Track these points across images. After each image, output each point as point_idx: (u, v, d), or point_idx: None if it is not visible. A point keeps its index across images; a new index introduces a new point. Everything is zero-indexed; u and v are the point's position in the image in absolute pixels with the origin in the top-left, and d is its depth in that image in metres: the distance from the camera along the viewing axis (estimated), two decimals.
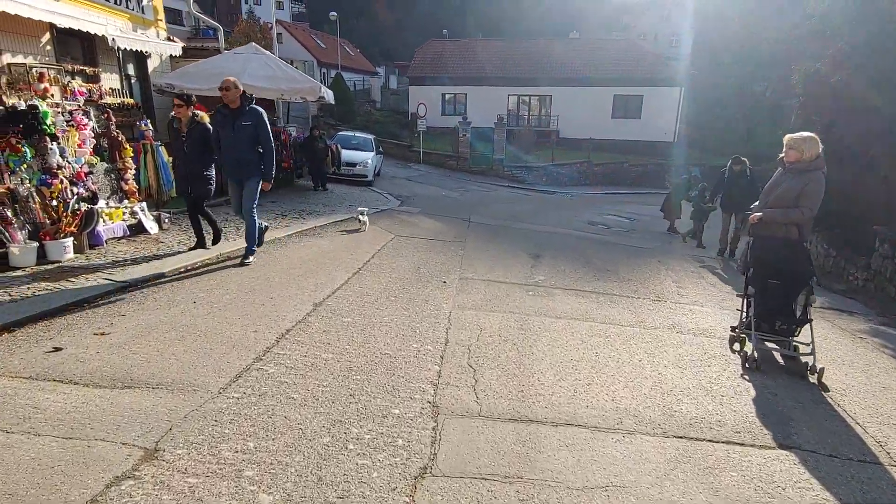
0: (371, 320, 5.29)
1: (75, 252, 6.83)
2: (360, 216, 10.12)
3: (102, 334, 4.42)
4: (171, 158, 8.92)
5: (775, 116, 40.55)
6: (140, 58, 13.83)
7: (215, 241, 7.75)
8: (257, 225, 7.12)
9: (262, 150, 6.80)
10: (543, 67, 34.51)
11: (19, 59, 9.78)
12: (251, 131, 6.67)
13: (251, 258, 7.05)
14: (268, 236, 8.58)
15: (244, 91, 6.73)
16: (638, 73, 33.24)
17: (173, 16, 39.98)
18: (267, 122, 6.79)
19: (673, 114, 33.34)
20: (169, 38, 15.43)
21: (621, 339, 5.40)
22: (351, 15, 60.97)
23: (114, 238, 7.69)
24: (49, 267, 6.26)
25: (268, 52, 13.63)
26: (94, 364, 3.88)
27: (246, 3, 51.36)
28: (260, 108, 6.75)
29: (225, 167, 7.04)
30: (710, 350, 5.31)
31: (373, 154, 18.25)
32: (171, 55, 14.49)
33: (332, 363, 4.21)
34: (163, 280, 6.07)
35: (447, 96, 35.62)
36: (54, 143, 7.15)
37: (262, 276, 6.50)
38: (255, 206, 6.93)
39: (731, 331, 5.62)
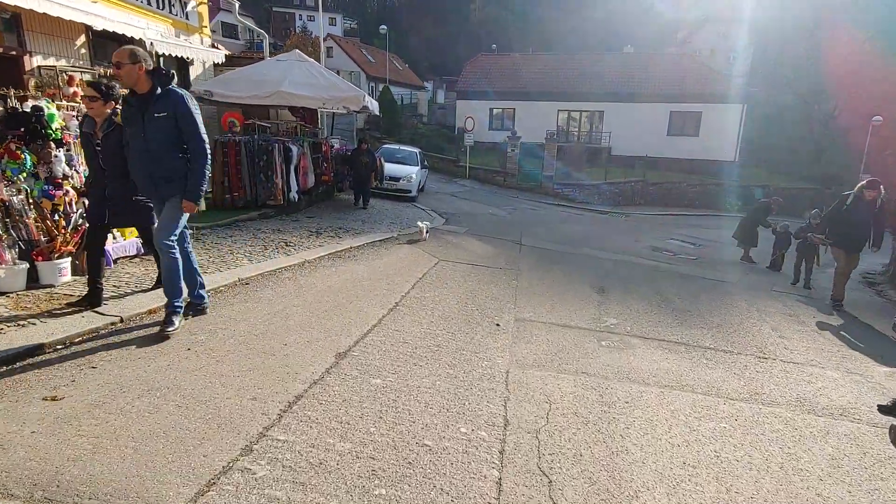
0: (406, 383, 4.04)
1: (73, 274, 5.88)
2: (421, 223, 10.31)
3: (54, 399, 3.33)
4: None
5: (847, 137, 37.74)
6: (182, 65, 13.19)
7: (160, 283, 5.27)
8: (181, 267, 4.64)
9: (187, 155, 4.53)
10: (595, 82, 32.98)
11: (51, 61, 9.12)
12: (167, 126, 4.39)
13: (176, 322, 4.56)
14: (297, 258, 7.51)
15: (158, 67, 4.46)
16: (696, 88, 31.29)
17: (230, 30, 40.52)
18: (194, 110, 4.47)
19: (734, 132, 31.18)
20: (214, 46, 14.84)
21: (740, 424, 3.97)
22: (401, 30, 60.92)
23: (125, 257, 6.74)
24: (39, 292, 5.30)
25: (311, 60, 12.76)
26: (17, 455, 2.76)
27: (300, 19, 51.93)
28: (182, 91, 4.45)
29: (136, 181, 4.69)
30: (868, 446, 3.82)
31: (417, 168, 17.19)
32: (214, 63, 13.87)
33: (349, 461, 2.97)
34: (152, 322, 4.98)
35: (495, 111, 34.48)
36: (61, 149, 6.25)
37: (281, 311, 5.36)
38: (173, 237, 4.53)
39: (881, 411, 4.13)
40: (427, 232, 10.28)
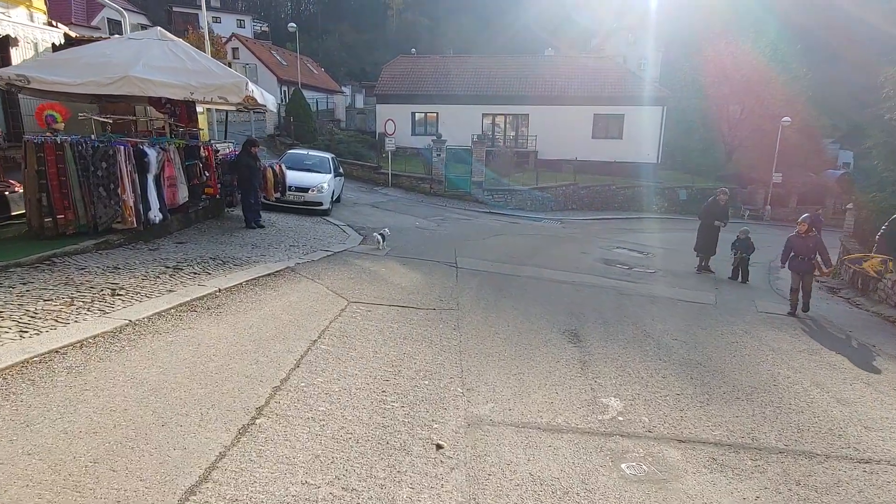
0: None
1: None
2: (376, 234, 9.64)
3: None
4: None
5: (754, 138, 38.38)
6: (3, 45, 9.76)
7: None
8: None
9: None
10: (520, 85, 31.31)
11: None
12: None
13: None
14: (118, 317, 4.63)
15: None
16: (618, 91, 30.30)
17: (116, 28, 35.60)
18: None
19: (655, 134, 30.42)
20: (50, 24, 11.37)
21: None
22: (316, 34, 57.35)
23: None
24: None
25: (178, 39, 9.65)
26: None
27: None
28: None
29: None
30: None
31: (330, 177, 14.34)
32: (53, 44, 10.52)
33: None
34: None
35: (417, 116, 32.01)
36: None
37: (8, 459, 2.53)
38: None
39: None
40: (383, 243, 9.60)
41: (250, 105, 11.27)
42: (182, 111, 11.00)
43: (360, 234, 11.63)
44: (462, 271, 8.63)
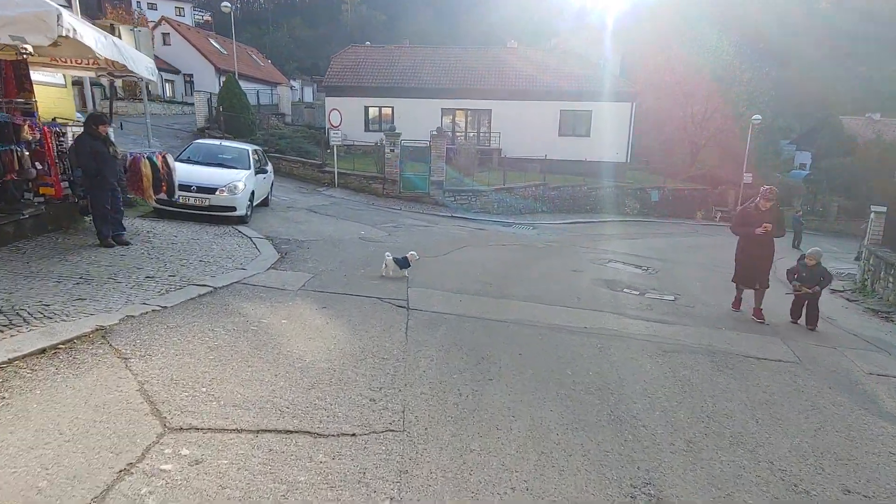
0: None
1: None
2: (388, 256, 7.07)
3: None
4: None
5: (719, 138, 36.63)
6: None
7: None
8: None
9: None
10: (481, 79, 28.27)
11: None
12: None
13: None
14: None
15: None
16: (585, 87, 27.63)
17: None
18: None
19: (624, 132, 27.96)
20: None
21: None
22: (266, 27, 52.89)
23: None
24: None
25: None
26: None
27: (137, 4, 41.94)
28: None
29: None
30: None
31: (248, 174, 10.85)
32: None
33: None
34: None
35: (371, 110, 28.53)
36: None
37: None
38: None
39: None
40: (401, 271, 7.08)
41: (116, 70, 7.80)
42: (7, 75, 7.37)
43: (278, 250, 8.24)
44: (416, 317, 5.39)
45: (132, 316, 4.35)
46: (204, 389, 3.24)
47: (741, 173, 28.82)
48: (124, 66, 6.92)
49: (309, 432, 2.92)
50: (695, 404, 3.90)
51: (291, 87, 37.50)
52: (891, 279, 9.82)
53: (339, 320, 4.96)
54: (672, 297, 8.01)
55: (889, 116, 40.19)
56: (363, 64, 29.30)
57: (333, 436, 2.91)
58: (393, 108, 28.15)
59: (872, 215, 11.84)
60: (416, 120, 25.50)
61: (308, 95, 38.80)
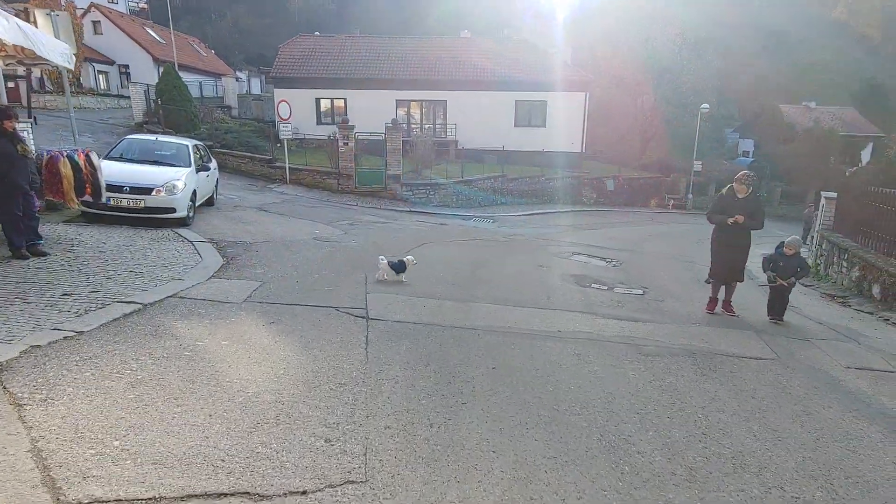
0: None
1: None
2: (383, 260, 6.79)
3: None
4: None
5: (668, 127, 37.34)
6: None
7: None
8: None
9: None
10: (436, 70, 27.63)
11: None
12: None
13: None
14: None
15: None
16: (539, 76, 27.43)
17: None
18: None
19: (579, 122, 27.98)
20: None
21: None
22: (207, 16, 50.43)
23: None
24: None
25: None
26: None
27: None
28: None
29: None
30: None
31: (188, 171, 9.96)
32: None
33: None
34: None
35: (323, 102, 27.48)
36: None
37: None
38: None
39: None
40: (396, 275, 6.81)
41: (27, 57, 6.85)
42: None
43: (223, 255, 7.51)
44: (377, 328, 4.85)
45: (37, 346, 3.64)
46: (117, 443, 2.63)
47: (691, 161, 29.40)
48: (33, 51, 6.05)
49: (248, 493, 2.36)
50: (687, 418, 3.54)
51: (237, 79, 35.78)
52: (844, 264, 9.94)
53: (289, 338, 4.37)
54: (641, 291, 7.75)
55: (823, 104, 41.97)
56: (313, 54, 28.15)
57: (279, 496, 2.37)
58: (346, 99, 27.20)
59: (823, 201, 12.03)
60: (371, 112, 24.66)
61: (256, 87, 37.18)
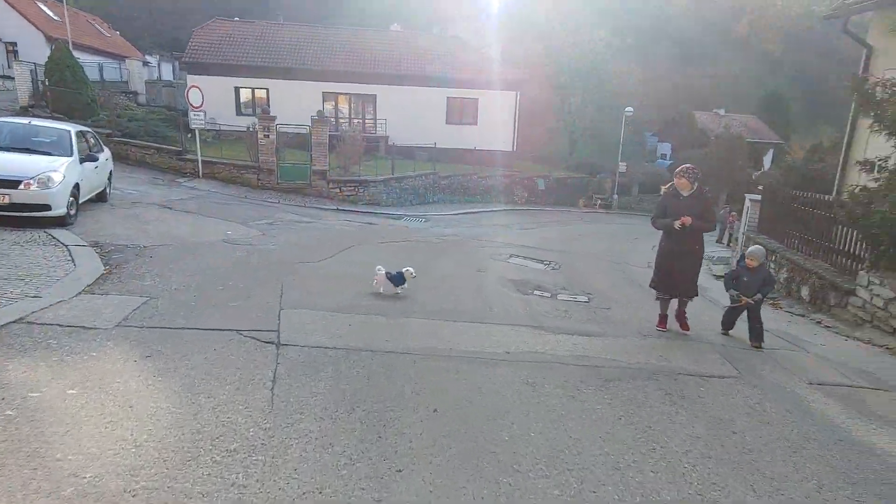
0: None
1: None
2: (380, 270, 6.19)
3: None
4: None
5: (594, 128, 38.17)
6: None
7: None
8: None
9: None
10: (365, 62, 26.40)
11: None
12: None
13: None
14: None
15: None
16: (471, 73, 26.94)
17: None
18: None
19: (510, 120, 27.80)
20: None
21: None
22: None
23: None
24: None
25: None
26: None
27: None
28: None
29: None
30: None
31: (69, 161, 8.36)
32: None
33: None
34: None
35: (242, 91, 25.51)
36: None
37: None
38: None
39: None
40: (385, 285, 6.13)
41: None
42: None
43: (107, 262, 6.19)
44: (290, 358, 3.88)
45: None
46: None
47: (616, 162, 30.06)
48: None
49: None
50: (673, 471, 2.89)
51: (147, 64, 32.64)
52: (772, 265, 9.98)
53: (167, 380, 3.32)
54: (585, 299, 7.22)
55: (731, 112, 44.56)
56: (232, 40, 26.05)
57: None
58: (268, 90, 25.41)
59: (749, 203, 12.24)
60: (296, 104, 23.06)
61: (168, 73, 34.18)
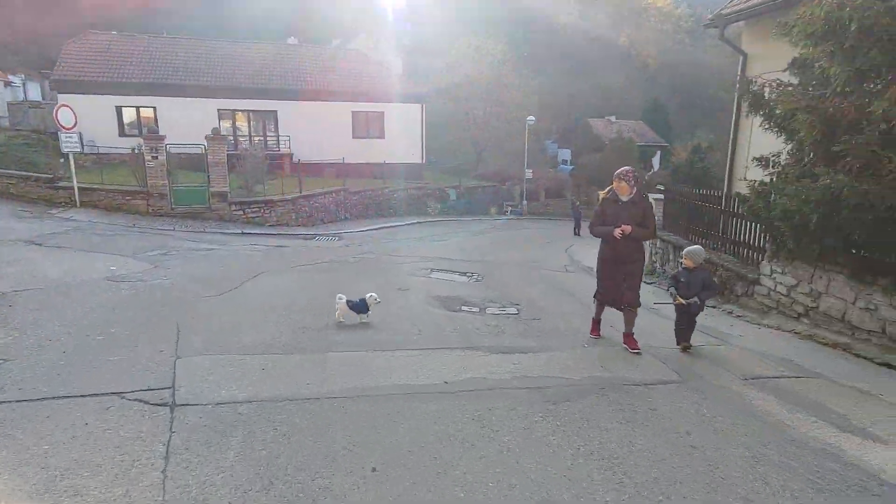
0: None
1: None
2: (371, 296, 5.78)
3: None
4: None
5: (498, 137, 38.99)
6: None
7: None
8: None
9: None
10: (264, 77, 25.05)
11: None
12: None
13: None
14: None
15: None
16: (376, 87, 26.52)
17: None
18: None
19: (417, 133, 27.66)
20: None
21: None
22: None
23: None
24: None
25: None
26: None
27: None
28: None
29: None
30: None
31: None
32: None
33: None
34: None
35: (126, 111, 23.18)
36: None
37: None
38: None
39: None
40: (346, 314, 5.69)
41: None
42: None
43: None
44: (188, 423, 3.15)
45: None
46: None
47: (523, 170, 30.86)
48: None
49: None
50: None
51: (10, 84, 28.91)
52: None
53: (13, 481, 2.51)
54: (515, 311, 6.95)
55: (621, 118, 47.66)
56: (111, 54, 23.70)
57: None
58: (155, 108, 23.34)
59: (652, 201, 12.78)
60: (189, 123, 21.23)
61: (36, 93, 30.52)
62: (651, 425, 3.54)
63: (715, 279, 8.99)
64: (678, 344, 5.37)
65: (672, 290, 5.41)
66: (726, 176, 12.03)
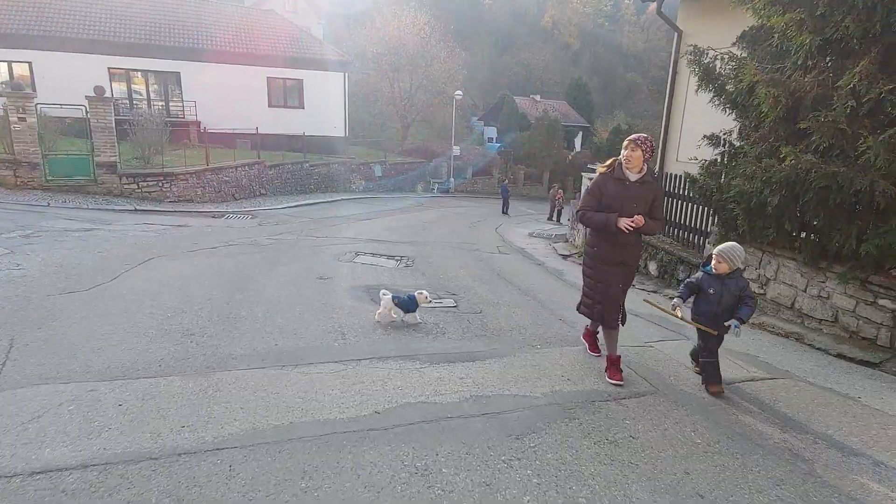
0: None
1: None
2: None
3: None
4: None
5: (426, 112, 37.68)
6: None
7: None
8: None
9: None
10: (163, 34, 22.12)
11: None
12: None
13: None
14: None
15: None
16: (295, 52, 24.33)
17: None
18: None
19: (339, 104, 25.81)
20: None
21: None
22: None
23: None
24: None
25: None
26: None
27: None
28: None
29: None
30: None
31: None
32: None
33: None
34: None
35: None
36: None
37: None
38: None
39: None
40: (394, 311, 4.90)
41: None
42: None
43: None
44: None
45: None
46: None
47: (450, 146, 29.94)
48: None
49: None
50: None
51: None
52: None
53: None
54: (452, 302, 6.06)
55: (545, 98, 47.84)
56: None
57: None
58: (31, 63, 19.97)
59: (586, 181, 12.34)
60: (73, 82, 18.23)
61: None
62: (637, 462, 2.77)
63: (654, 262, 8.57)
64: (706, 385, 3.82)
65: (686, 305, 3.86)
66: (658, 156, 11.75)
